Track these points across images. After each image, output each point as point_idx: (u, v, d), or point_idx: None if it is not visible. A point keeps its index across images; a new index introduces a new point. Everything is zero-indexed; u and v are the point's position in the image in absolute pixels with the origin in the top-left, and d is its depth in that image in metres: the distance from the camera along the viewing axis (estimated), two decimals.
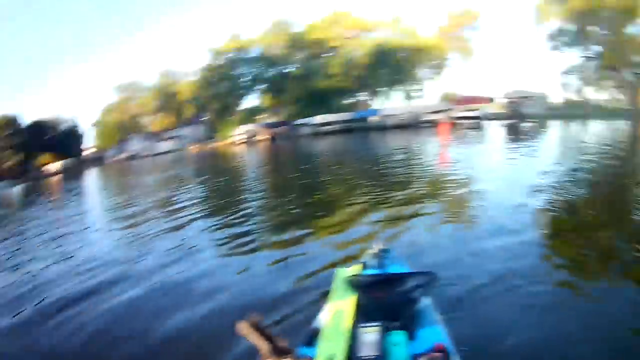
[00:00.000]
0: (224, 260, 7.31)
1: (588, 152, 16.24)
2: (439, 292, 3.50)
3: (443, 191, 10.47)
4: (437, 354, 2.15)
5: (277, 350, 1.95)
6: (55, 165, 72.43)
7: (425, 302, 2.80)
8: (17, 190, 48.33)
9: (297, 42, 59.56)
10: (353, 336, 2.32)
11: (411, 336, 2.39)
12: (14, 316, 6.22)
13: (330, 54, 55.25)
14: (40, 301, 6.54)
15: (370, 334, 2.25)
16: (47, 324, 5.65)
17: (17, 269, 9.29)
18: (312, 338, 2.56)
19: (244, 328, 1.99)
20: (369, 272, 3.17)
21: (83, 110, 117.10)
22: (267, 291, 5.50)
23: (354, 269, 3.18)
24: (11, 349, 5.60)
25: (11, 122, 76.54)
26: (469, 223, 7.43)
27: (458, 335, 2.58)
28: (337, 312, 2.63)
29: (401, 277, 2.88)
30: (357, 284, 2.85)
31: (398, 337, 2.32)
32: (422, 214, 8.19)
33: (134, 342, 4.72)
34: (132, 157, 70.37)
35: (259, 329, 2.01)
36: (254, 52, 64.79)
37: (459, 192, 10.21)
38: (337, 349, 2.23)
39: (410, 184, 11.83)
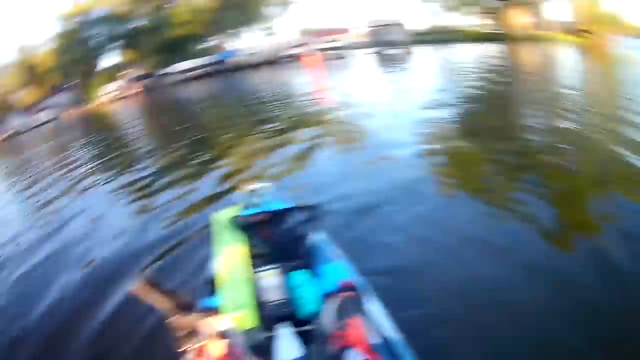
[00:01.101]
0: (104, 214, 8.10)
1: (465, 72, 17.76)
2: (331, 224, 3.68)
3: (325, 119, 11.06)
4: (350, 293, 2.17)
5: (181, 306, 1.94)
6: None
7: (320, 236, 2.97)
8: None
9: None
10: (249, 281, 2.43)
11: (313, 274, 2.53)
12: None
13: (174, 3, 57.16)
14: None
15: (269, 277, 2.41)
16: None
17: None
18: (211, 287, 2.64)
19: (139, 288, 1.94)
20: (249, 211, 3.16)
21: None
22: (143, 241, 5.98)
23: (231, 211, 3.16)
24: None
25: None
26: (352, 146, 7.98)
27: (363, 269, 2.77)
28: (230, 257, 2.63)
29: (284, 213, 2.94)
30: (240, 225, 2.89)
31: (300, 276, 2.47)
32: (303, 143, 8.83)
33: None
34: (15, 134, 69.49)
35: (155, 286, 1.99)
36: (101, 12, 65.23)
37: (343, 117, 10.81)
38: (243, 297, 2.28)
39: (291, 116, 12.46)
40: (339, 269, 2.50)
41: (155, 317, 3.12)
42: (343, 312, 2.00)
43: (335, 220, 4.40)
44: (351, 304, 2.05)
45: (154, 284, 1.98)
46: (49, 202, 10.25)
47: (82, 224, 7.77)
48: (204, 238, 5.62)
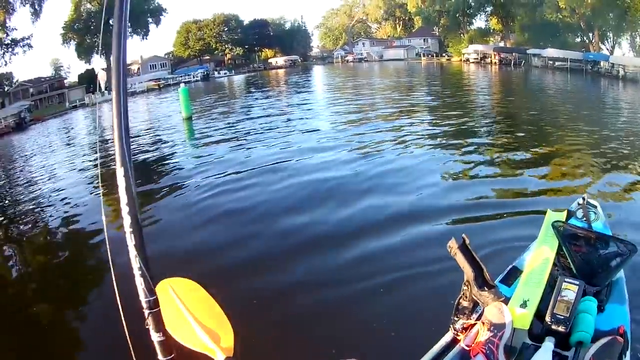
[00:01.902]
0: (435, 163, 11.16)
1: None
2: (632, 269, 3.66)
3: None
4: (619, 339, 2.29)
5: (480, 281, 2.24)
6: (280, 60, 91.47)
7: (619, 275, 3.05)
8: (241, 77, 65.86)
9: None
10: (550, 284, 2.71)
11: (600, 308, 2.65)
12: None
13: None
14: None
15: (568, 290, 2.54)
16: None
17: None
18: (510, 276, 3.08)
19: (453, 247, 2.31)
20: (575, 222, 3.55)
21: (306, 13, 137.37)
22: (473, 210, 7.70)
23: (560, 215, 3.60)
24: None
25: (230, 19, 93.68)
26: None
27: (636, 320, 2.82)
28: (540, 256, 3.01)
29: (606, 239, 3.16)
30: (561, 232, 3.21)
31: (590, 305, 2.57)
32: None
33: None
34: (360, 60, 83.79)
35: (467, 251, 2.32)
36: None
37: None
38: (532, 296, 2.57)
39: None
40: (621, 312, 2.69)
41: (449, 275, 3.44)
42: (605, 354, 2.20)
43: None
44: (615, 350, 2.22)
45: (469, 248, 2.32)
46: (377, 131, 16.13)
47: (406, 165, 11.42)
48: (521, 223, 6.69)
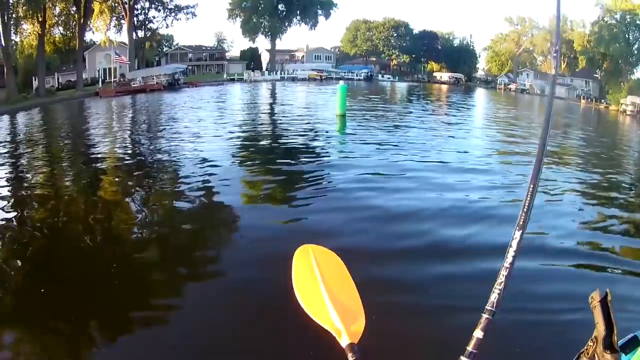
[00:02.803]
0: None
1: None
2: None
3: None
4: None
5: (607, 342, 1.98)
6: (445, 75, 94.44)
7: None
8: (404, 85, 69.61)
9: None
10: None
11: None
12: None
13: None
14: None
15: None
16: None
17: None
18: (629, 345, 2.55)
19: (595, 300, 2.00)
20: None
21: (474, 32, 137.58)
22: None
23: None
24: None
25: (400, 25, 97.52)
26: None
27: None
28: None
29: None
30: None
31: None
32: None
33: None
34: (522, 91, 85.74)
35: (606, 307, 2.00)
36: None
37: None
38: None
39: None
40: None
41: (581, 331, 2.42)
42: None
43: None
44: None
45: (609, 305, 1.98)
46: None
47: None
48: None
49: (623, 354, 2.33)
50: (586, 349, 1.99)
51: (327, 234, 8.40)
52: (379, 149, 18.03)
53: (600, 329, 1.93)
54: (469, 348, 1.65)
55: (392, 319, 5.12)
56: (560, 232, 9.59)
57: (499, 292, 1.72)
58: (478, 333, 1.68)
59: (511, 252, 1.72)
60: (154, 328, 5.90)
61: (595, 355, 1.97)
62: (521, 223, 1.66)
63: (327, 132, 22.28)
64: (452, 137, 23.69)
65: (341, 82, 30.08)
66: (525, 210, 1.63)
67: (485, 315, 1.72)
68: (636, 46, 70.85)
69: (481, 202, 11.66)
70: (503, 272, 1.76)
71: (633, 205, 13.41)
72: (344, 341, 1.75)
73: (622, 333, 2.17)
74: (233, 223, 9.43)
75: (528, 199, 1.63)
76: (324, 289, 1.94)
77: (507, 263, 1.71)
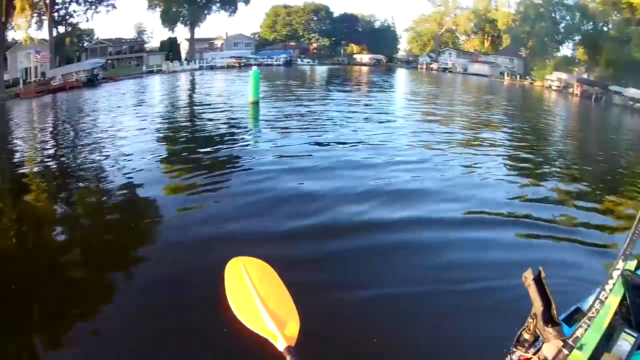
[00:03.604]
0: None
1: None
2: None
3: None
4: None
5: (547, 317, 2.20)
6: (365, 57, 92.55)
7: None
8: (324, 68, 68.33)
9: (612, 0, 59.55)
10: (608, 332, 2.64)
11: None
12: None
13: None
14: None
15: (625, 341, 2.52)
16: None
17: None
18: (572, 317, 3.04)
19: (528, 278, 2.27)
20: None
21: (396, 14, 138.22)
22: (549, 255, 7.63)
23: (631, 264, 3.43)
24: None
25: (320, 9, 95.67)
26: None
27: None
28: (605, 302, 2.64)
29: None
30: (628, 281, 3.12)
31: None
32: None
33: None
34: (444, 69, 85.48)
35: (541, 284, 2.27)
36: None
37: None
38: (591, 340, 2.50)
39: None
40: None
41: (519, 306, 2.99)
42: None
43: None
44: None
45: (543, 282, 2.24)
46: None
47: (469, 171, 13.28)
48: (593, 271, 6.99)
49: (567, 326, 2.80)
50: (527, 326, 2.26)
51: (245, 219, 8.91)
52: (291, 132, 18.49)
53: (537, 305, 2.22)
54: None
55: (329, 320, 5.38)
56: (495, 206, 10.18)
57: (586, 326, 1.87)
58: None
59: (610, 284, 1.84)
60: (78, 332, 5.78)
61: (537, 330, 2.27)
62: (627, 252, 1.69)
63: (241, 119, 22.58)
64: (368, 118, 24.10)
65: (254, 68, 29.14)
66: (632, 238, 1.65)
67: (564, 351, 2.02)
68: (563, 24, 70.76)
69: (392, 179, 12.03)
70: (596, 307, 2.00)
71: (562, 175, 14.06)
72: (280, 345, 1.88)
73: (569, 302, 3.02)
74: (156, 217, 9.32)
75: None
76: (256, 298, 2.07)
77: (603, 297, 1.85)
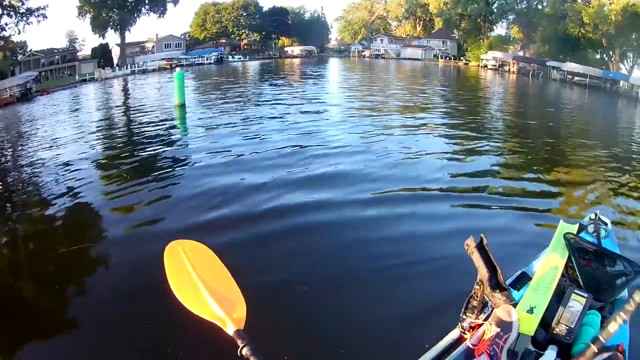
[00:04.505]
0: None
1: None
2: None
3: None
4: (620, 356, 2.32)
5: (494, 282, 2.28)
6: (296, 49, 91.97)
7: (623, 294, 3.16)
8: (256, 64, 66.30)
9: None
10: (556, 293, 2.77)
11: (602, 323, 2.66)
12: None
13: (579, 0, 54.96)
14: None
15: (576, 302, 2.60)
16: None
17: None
18: (519, 281, 3.21)
19: (470, 246, 2.35)
20: (585, 236, 3.64)
21: (326, 4, 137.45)
22: (491, 222, 7.79)
23: (572, 227, 3.62)
24: None
25: (249, 4, 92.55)
26: None
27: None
28: (549, 265, 3.07)
29: (614, 257, 3.25)
30: (572, 244, 3.28)
31: (594, 318, 2.68)
32: None
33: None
34: (377, 56, 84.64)
35: (484, 251, 2.36)
36: None
37: None
38: (539, 302, 2.61)
39: None
40: (621, 330, 2.55)
41: (462, 272, 3.29)
42: None
43: None
44: None
45: (486, 248, 2.37)
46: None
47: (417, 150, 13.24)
48: (533, 232, 7.18)
49: (515, 290, 2.95)
50: (474, 293, 2.39)
51: (184, 218, 8.52)
52: (221, 129, 18.00)
53: (482, 272, 2.35)
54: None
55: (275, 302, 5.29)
56: (432, 182, 10.09)
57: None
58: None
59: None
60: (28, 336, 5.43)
61: (485, 297, 2.39)
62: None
63: (170, 122, 21.58)
64: (300, 109, 23.51)
65: (177, 69, 29.21)
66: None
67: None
68: (495, 4, 71.09)
69: (325, 166, 11.79)
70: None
71: (499, 149, 14.26)
72: (230, 329, 1.92)
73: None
74: (99, 225, 8.86)
75: None
76: (199, 282, 2.10)
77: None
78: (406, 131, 16.87)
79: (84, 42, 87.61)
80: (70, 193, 10.96)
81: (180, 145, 15.95)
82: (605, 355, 2.30)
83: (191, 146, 15.45)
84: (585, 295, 2.65)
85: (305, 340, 4.88)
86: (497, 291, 2.35)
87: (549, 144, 15.92)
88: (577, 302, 2.60)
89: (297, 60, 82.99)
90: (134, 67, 71.89)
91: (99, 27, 75.90)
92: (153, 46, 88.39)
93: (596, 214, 4.10)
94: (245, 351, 1.78)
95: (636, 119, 30.47)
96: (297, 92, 33.16)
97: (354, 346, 4.74)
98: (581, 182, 11.03)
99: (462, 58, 73.28)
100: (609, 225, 4.09)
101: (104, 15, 74.99)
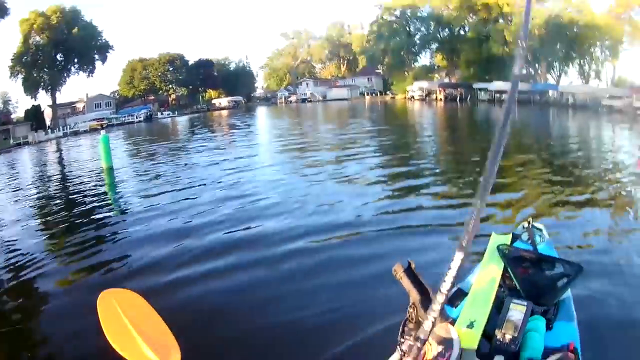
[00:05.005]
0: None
1: None
2: (579, 288, 3.79)
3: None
4: (570, 355, 2.36)
5: (426, 304, 2.17)
6: (224, 101, 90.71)
7: (567, 294, 3.17)
8: (184, 119, 63.69)
9: (467, 5, 61.49)
10: (496, 305, 2.71)
11: (548, 326, 2.74)
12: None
13: (501, 20, 57.41)
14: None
15: (516, 311, 2.59)
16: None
17: None
18: (455, 298, 3.13)
19: (399, 271, 2.27)
20: (520, 245, 3.63)
21: (250, 53, 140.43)
22: (420, 243, 7.35)
23: (505, 238, 3.58)
24: None
25: (175, 58, 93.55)
26: None
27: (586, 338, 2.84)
28: (485, 278, 3.02)
29: (551, 261, 3.25)
30: (507, 255, 3.25)
31: (538, 323, 2.65)
32: (594, 206, 9.05)
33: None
34: (303, 100, 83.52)
35: (413, 275, 2.31)
36: (423, 11, 70.62)
37: None
38: (479, 316, 2.57)
39: (599, 178, 12.06)
40: (570, 329, 2.74)
41: (394, 298, 3.22)
42: None
43: (588, 288, 4.73)
44: None
45: (414, 272, 2.29)
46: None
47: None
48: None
49: (452, 307, 2.94)
50: (409, 316, 2.28)
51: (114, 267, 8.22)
52: (152, 187, 16.68)
53: (414, 295, 2.26)
54: None
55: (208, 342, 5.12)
56: (364, 214, 9.70)
57: (433, 320, 1.82)
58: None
59: (450, 276, 1.75)
60: None
61: (420, 319, 2.27)
62: (463, 245, 1.69)
63: (99, 186, 19.93)
64: (228, 159, 22.65)
65: (102, 132, 27.85)
66: (469, 231, 1.66)
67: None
68: (418, 36, 72.46)
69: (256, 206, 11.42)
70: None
71: (426, 175, 13.88)
72: None
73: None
74: (45, 296, 7.78)
75: (472, 220, 1.66)
76: (132, 330, 2.14)
77: (445, 289, 1.76)
78: (336, 168, 16.11)
79: (17, 104, 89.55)
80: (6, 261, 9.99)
81: (109, 206, 15.32)
82: (556, 356, 2.34)
83: (121, 206, 15.07)
84: (525, 303, 2.63)
85: None
86: (428, 310, 2.03)
87: (478, 163, 15.08)
88: (517, 310, 2.58)
89: (225, 112, 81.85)
90: (66, 128, 70.44)
91: (30, 88, 76.24)
92: (84, 106, 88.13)
93: (529, 222, 4.06)
94: None
95: (567, 122, 31.78)
96: (226, 146, 31.51)
97: None
98: (513, 191, 10.77)
99: (388, 92, 73.69)
100: (544, 231, 4.09)
101: (35, 75, 75.44)
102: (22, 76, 75.50)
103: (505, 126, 1.57)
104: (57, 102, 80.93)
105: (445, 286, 1.72)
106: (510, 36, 51.44)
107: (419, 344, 1.94)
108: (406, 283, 2.28)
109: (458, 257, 1.68)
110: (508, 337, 2.43)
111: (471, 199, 8.17)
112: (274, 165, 18.30)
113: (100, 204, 15.66)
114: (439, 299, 1.77)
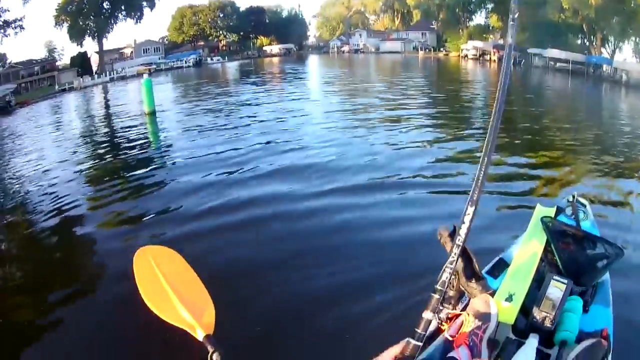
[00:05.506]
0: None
1: None
2: (618, 272, 3.54)
3: None
4: (604, 342, 2.29)
5: (469, 271, 2.20)
6: (275, 48, 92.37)
7: (605, 277, 3.11)
8: (235, 64, 66.74)
9: None
10: (536, 279, 2.69)
11: (585, 308, 2.69)
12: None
13: None
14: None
15: (556, 288, 2.52)
16: None
17: None
18: (496, 268, 3.15)
19: (444, 235, 2.22)
20: (564, 219, 3.54)
21: (303, 1, 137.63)
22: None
23: (549, 211, 3.49)
24: None
25: (226, 5, 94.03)
26: None
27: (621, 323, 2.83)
28: (527, 251, 2.98)
29: (593, 239, 3.12)
30: (550, 228, 3.17)
31: (576, 304, 2.59)
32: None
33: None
34: (356, 51, 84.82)
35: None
36: None
37: None
38: (518, 290, 2.56)
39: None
40: (605, 315, 2.72)
41: (434, 263, 2.66)
42: (589, 356, 2.20)
43: (627, 275, 4.66)
44: (599, 352, 2.24)
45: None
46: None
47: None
48: (510, 216, 7.19)
49: (492, 278, 2.99)
50: (450, 283, 2.04)
51: (157, 220, 8.49)
52: (204, 133, 17.38)
53: (457, 263, 2.07)
54: (419, 330, 1.81)
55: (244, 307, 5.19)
56: (411, 171, 10.25)
57: (450, 271, 1.86)
58: (428, 315, 1.85)
59: (463, 229, 1.83)
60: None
61: (461, 287, 2.21)
62: (474, 199, 1.76)
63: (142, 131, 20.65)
64: (282, 108, 23.19)
65: (145, 76, 27.11)
66: (478, 185, 1.75)
67: (435, 296, 1.89)
68: None
69: (313, 159, 11.97)
70: (455, 251, 1.90)
71: (475, 136, 14.15)
72: (199, 335, 1.91)
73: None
74: (87, 241, 8.26)
75: (481, 175, 1.74)
76: (168, 288, 2.10)
77: (459, 241, 1.83)
78: (390, 125, 16.72)
79: (63, 52, 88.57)
80: (53, 204, 10.73)
81: (153, 150, 16.01)
82: (590, 341, 2.29)
83: (164, 150, 15.64)
84: (565, 281, 2.57)
85: (274, 344, 4.75)
86: (473, 281, 2.24)
87: (529, 129, 15.82)
88: (557, 288, 2.53)
89: (276, 59, 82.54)
90: (113, 74, 70.96)
91: (76, 35, 75.85)
92: (132, 52, 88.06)
93: (574, 196, 4.02)
94: (215, 357, 1.77)
95: (620, 101, 30.78)
96: (276, 90, 32.80)
97: (326, 345, 4.59)
98: (560, 165, 11.05)
99: (441, 49, 73.31)
100: (588, 207, 4.05)
101: (80, 23, 74.84)
102: (68, 24, 74.63)
103: (503, 92, 1.80)
104: (104, 48, 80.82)
105: (460, 239, 1.80)
106: (566, 3, 50.04)
107: (456, 313, 2.09)
108: (450, 248, 2.18)
109: (470, 211, 1.76)
110: (545, 315, 2.41)
111: (519, 168, 10.19)
112: (327, 118, 18.77)
113: (141, 151, 16.13)
114: (455, 250, 1.85)
